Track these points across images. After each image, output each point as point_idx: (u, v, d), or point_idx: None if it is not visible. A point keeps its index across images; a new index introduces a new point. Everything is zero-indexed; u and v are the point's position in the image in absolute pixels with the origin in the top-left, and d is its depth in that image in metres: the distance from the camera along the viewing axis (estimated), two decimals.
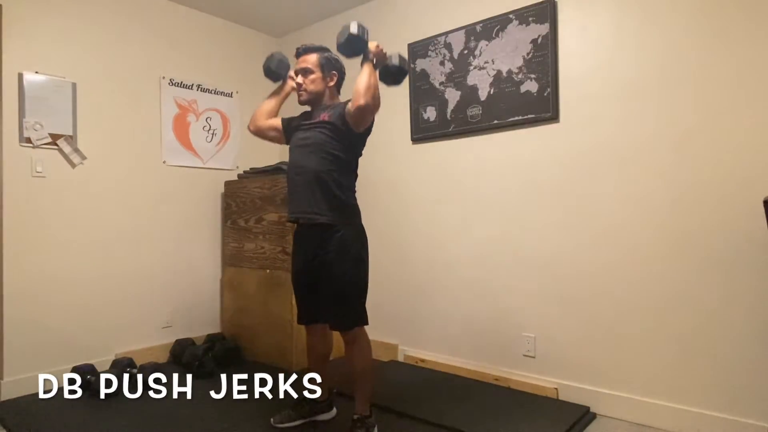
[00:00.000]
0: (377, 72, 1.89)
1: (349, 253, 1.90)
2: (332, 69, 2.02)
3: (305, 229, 2.00)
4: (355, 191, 2.02)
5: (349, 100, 1.90)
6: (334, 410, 2.20)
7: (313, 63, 1.98)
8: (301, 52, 2.02)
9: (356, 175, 2.04)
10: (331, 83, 2.03)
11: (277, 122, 2.16)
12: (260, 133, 2.19)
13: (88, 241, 2.78)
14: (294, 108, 2.18)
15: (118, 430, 2.10)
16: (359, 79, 1.82)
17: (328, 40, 3.74)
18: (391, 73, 1.93)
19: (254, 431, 2.06)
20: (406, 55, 2.97)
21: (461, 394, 2.41)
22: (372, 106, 1.82)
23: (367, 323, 1.96)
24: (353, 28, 1.78)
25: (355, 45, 1.82)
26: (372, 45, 1.85)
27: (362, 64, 1.86)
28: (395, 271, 3.08)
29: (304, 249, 2.01)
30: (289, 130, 2.11)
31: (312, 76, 1.98)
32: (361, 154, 2.04)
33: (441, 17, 2.86)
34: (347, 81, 2.08)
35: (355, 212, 1.99)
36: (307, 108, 2.10)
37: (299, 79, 2.00)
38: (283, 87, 2.19)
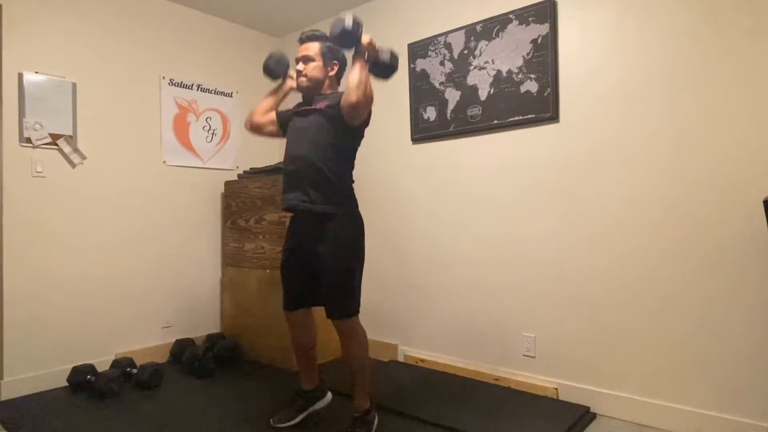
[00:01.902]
0: (368, 65, 1.90)
1: (344, 241, 1.90)
2: (334, 59, 2.02)
3: (300, 217, 1.99)
4: (352, 180, 2.02)
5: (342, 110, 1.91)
6: (329, 395, 2.22)
7: (315, 51, 1.98)
8: (304, 39, 2.02)
9: (353, 165, 2.03)
10: (332, 72, 2.03)
11: (272, 116, 2.16)
12: (257, 128, 2.18)
13: (88, 241, 2.78)
14: (293, 104, 2.18)
15: (118, 430, 2.09)
16: (351, 74, 1.83)
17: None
18: (381, 68, 1.94)
19: (254, 431, 2.06)
20: (404, 52, 2.98)
21: (461, 394, 2.41)
22: (364, 102, 1.82)
23: (358, 312, 1.96)
24: (348, 23, 1.78)
25: (347, 39, 1.83)
26: (365, 39, 1.85)
27: (354, 58, 1.87)
28: (395, 270, 3.08)
29: (298, 235, 2.01)
30: (284, 122, 2.11)
31: (313, 64, 1.98)
32: (359, 144, 2.03)
33: (441, 17, 2.86)
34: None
35: (350, 200, 1.99)
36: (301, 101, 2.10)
37: (300, 66, 1.99)
38: (282, 86, 2.19)
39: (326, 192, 1.90)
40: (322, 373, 2.23)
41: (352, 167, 2.03)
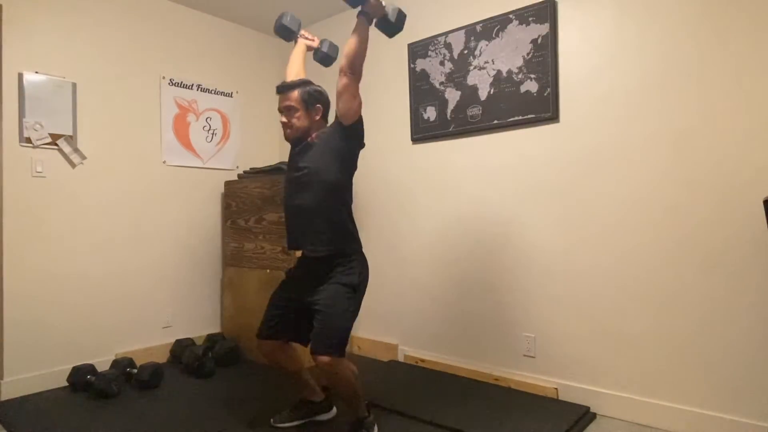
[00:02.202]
0: (374, 21, 1.93)
1: (346, 282, 1.88)
2: (316, 102, 1.98)
3: (306, 258, 1.99)
4: (352, 219, 2.01)
5: (336, 119, 1.92)
6: (334, 410, 2.20)
7: (296, 100, 1.95)
8: (280, 90, 1.99)
9: (352, 199, 2.02)
10: (317, 117, 1.99)
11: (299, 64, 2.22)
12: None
13: (88, 241, 2.78)
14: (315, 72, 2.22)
15: (118, 430, 2.09)
16: (350, 39, 1.85)
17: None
18: (386, 27, 1.98)
19: (254, 431, 2.06)
20: (404, 52, 2.98)
21: (461, 394, 2.41)
22: (351, 69, 1.84)
23: (343, 355, 1.84)
24: None
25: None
26: None
27: (358, 16, 1.88)
28: (395, 270, 3.08)
29: (300, 272, 2.02)
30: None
31: (296, 114, 1.95)
32: (355, 168, 2.02)
33: (441, 17, 2.86)
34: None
35: (352, 242, 1.97)
36: None
37: (283, 118, 1.98)
38: (299, 47, 2.24)
39: (327, 237, 1.90)
40: (329, 390, 2.20)
41: (351, 201, 2.01)
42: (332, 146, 1.92)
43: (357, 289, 1.92)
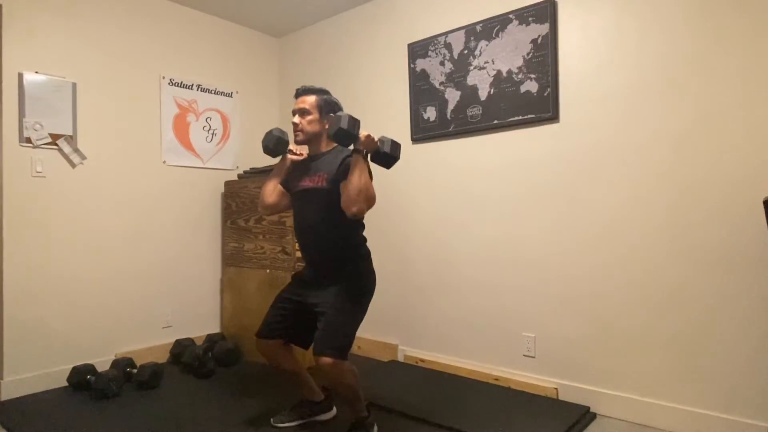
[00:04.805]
0: (369, 156, 1.90)
1: (353, 289, 1.91)
2: (330, 111, 2.00)
3: (315, 264, 2.00)
4: (364, 238, 2.03)
5: (348, 156, 1.89)
6: (334, 410, 2.21)
7: (311, 104, 1.98)
8: (300, 93, 2.02)
9: (363, 225, 2.02)
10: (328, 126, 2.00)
11: (280, 190, 2.10)
12: (274, 208, 2.12)
13: (88, 241, 2.78)
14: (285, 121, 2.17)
15: (118, 430, 2.09)
16: (350, 180, 1.80)
17: (328, 40, 3.74)
18: (381, 159, 1.94)
19: (254, 431, 2.06)
20: (404, 52, 2.98)
21: (461, 394, 2.41)
22: (365, 208, 1.81)
23: (346, 359, 1.84)
24: (343, 123, 1.78)
25: (345, 137, 1.83)
26: (362, 135, 1.84)
27: (353, 154, 1.86)
28: (395, 270, 3.08)
29: (307, 275, 2.03)
30: (290, 188, 2.08)
31: (309, 117, 1.97)
32: None
33: (441, 17, 2.86)
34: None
35: (363, 258, 1.99)
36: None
37: (296, 119, 1.99)
38: (284, 162, 2.13)
39: (339, 268, 1.92)
40: (329, 390, 2.21)
41: (363, 227, 2.03)
42: (334, 194, 1.89)
43: (363, 295, 1.94)
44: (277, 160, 2.17)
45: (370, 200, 1.81)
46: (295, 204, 2.05)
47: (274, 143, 2.07)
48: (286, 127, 3.57)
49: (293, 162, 2.12)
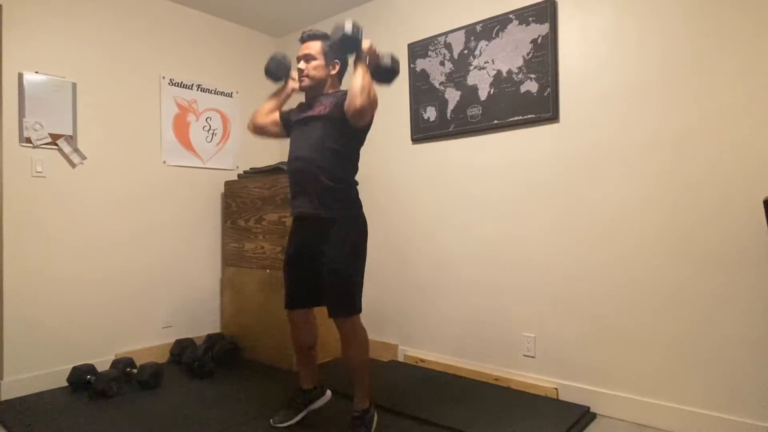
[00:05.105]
0: (369, 71, 1.90)
1: (348, 243, 1.92)
2: (335, 57, 2.02)
3: (306, 220, 2.00)
4: (355, 182, 2.04)
5: (347, 91, 1.90)
6: (328, 393, 2.23)
7: (317, 50, 1.99)
8: (305, 38, 2.02)
9: (356, 167, 2.04)
10: (333, 72, 2.03)
11: (276, 116, 2.16)
12: (261, 130, 2.18)
13: (88, 241, 2.78)
14: (295, 103, 2.18)
15: (118, 430, 2.09)
16: (354, 80, 1.83)
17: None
18: (382, 73, 1.95)
19: (254, 431, 2.06)
20: (404, 52, 2.98)
21: (461, 394, 2.41)
22: (368, 106, 1.83)
23: (360, 311, 1.96)
24: (347, 28, 1.79)
25: (348, 45, 1.84)
26: (365, 44, 1.86)
27: (355, 63, 1.87)
28: (395, 270, 3.08)
29: (302, 236, 2.03)
30: (288, 124, 2.12)
31: (314, 63, 1.98)
32: (362, 143, 2.04)
33: (441, 17, 2.86)
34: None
35: (354, 203, 2.01)
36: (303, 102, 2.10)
37: (301, 64, 1.99)
38: (284, 89, 2.19)
39: (331, 197, 1.92)
40: (321, 372, 2.23)
41: (356, 170, 2.04)
42: (337, 126, 1.92)
43: (359, 244, 1.97)
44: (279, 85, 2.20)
45: (373, 101, 1.84)
46: (294, 134, 2.05)
47: (276, 65, 2.10)
48: None
49: (294, 90, 2.16)
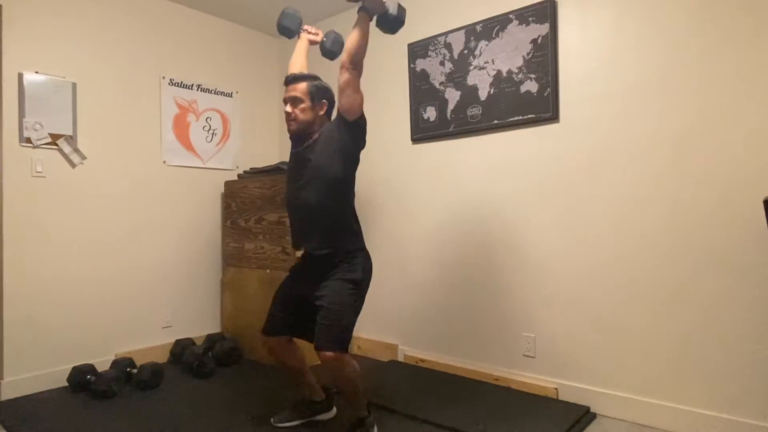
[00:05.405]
0: (375, 18, 1.92)
1: (350, 277, 1.89)
2: (322, 98, 1.99)
3: (310, 255, 1.99)
4: (355, 215, 2.02)
5: (339, 115, 1.92)
6: (334, 410, 2.20)
7: (302, 91, 1.95)
8: (290, 80, 1.99)
9: (354, 195, 2.03)
10: (321, 112, 2.00)
11: (306, 65, 2.24)
12: None
13: (88, 241, 2.78)
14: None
15: (118, 430, 2.09)
16: (351, 35, 1.85)
17: None
18: (387, 22, 1.96)
19: (254, 431, 2.06)
20: (404, 52, 2.98)
21: (461, 394, 2.41)
22: (356, 56, 1.85)
23: (347, 351, 1.86)
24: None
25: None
26: None
27: (359, 12, 1.88)
28: (395, 270, 3.08)
29: (303, 268, 2.03)
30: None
31: (302, 105, 1.95)
32: (358, 163, 2.02)
33: (441, 17, 2.86)
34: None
35: (355, 239, 1.98)
36: None
37: (288, 108, 1.97)
38: (302, 44, 2.26)
39: (330, 236, 1.92)
40: (329, 390, 2.21)
41: (354, 197, 2.03)
42: (335, 141, 1.92)
43: (360, 284, 1.93)
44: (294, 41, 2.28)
45: (358, 63, 1.86)
46: (290, 166, 2.05)
47: (288, 20, 2.16)
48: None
49: (312, 43, 2.25)
